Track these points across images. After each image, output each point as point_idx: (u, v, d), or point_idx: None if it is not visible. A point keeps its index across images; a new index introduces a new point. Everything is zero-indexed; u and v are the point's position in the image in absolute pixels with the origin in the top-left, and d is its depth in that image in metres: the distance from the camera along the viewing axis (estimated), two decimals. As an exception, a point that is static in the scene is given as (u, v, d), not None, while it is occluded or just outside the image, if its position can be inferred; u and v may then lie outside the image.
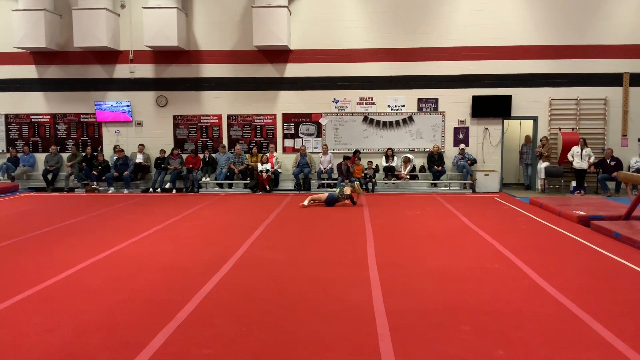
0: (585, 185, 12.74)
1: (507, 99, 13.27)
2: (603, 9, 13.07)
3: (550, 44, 13.19)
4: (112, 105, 14.14)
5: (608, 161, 12.57)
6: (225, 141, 14.14)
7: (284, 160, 13.92)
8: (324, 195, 10.45)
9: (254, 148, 13.93)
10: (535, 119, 13.59)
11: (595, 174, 12.81)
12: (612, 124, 13.33)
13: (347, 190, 10.38)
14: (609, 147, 12.92)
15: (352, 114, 13.84)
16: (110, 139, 14.40)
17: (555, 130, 13.42)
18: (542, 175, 13.03)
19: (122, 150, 13.75)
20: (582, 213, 8.35)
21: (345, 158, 13.22)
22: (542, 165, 13.04)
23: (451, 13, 13.36)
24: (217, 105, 14.10)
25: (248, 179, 13.31)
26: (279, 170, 13.50)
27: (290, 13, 13.44)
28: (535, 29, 13.22)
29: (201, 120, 14.20)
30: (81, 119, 14.40)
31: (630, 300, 4.49)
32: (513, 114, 13.41)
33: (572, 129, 13.33)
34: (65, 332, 3.81)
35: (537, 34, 13.22)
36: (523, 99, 13.33)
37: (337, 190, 10.69)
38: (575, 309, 4.22)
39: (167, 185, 13.43)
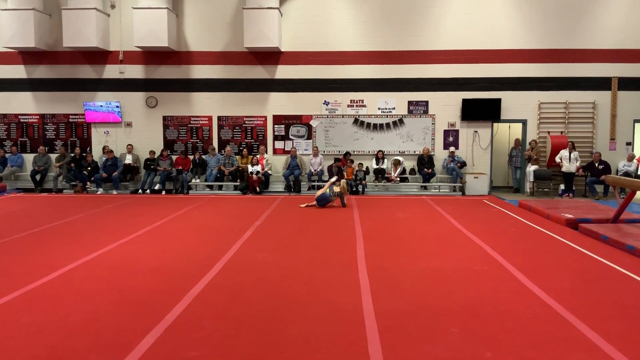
0: (574, 188, 12.86)
1: (497, 102, 13.37)
2: (592, 14, 13.20)
3: (540, 48, 13.29)
4: (101, 106, 14.05)
5: (596, 164, 12.67)
6: (215, 142, 14.10)
7: (274, 162, 13.91)
8: (317, 194, 10.51)
9: (244, 150, 13.90)
10: (524, 123, 13.68)
11: (584, 177, 12.93)
12: (600, 127, 13.46)
13: (336, 188, 10.45)
14: (597, 151, 13.02)
15: (343, 116, 13.86)
16: (99, 139, 14.31)
17: (544, 133, 13.52)
18: (531, 178, 13.13)
19: (112, 151, 13.66)
20: (570, 216, 8.42)
21: (336, 160, 13.26)
22: (531, 168, 13.13)
23: (441, 16, 13.43)
24: (207, 106, 14.06)
25: (238, 180, 13.28)
26: (269, 172, 13.48)
27: (282, 15, 13.44)
28: (525, 33, 13.32)
29: (191, 122, 14.14)
30: (70, 120, 14.30)
31: (616, 302, 4.53)
32: (502, 117, 13.50)
33: (561, 132, 13.44)
34: (52, 334, 3.78)
35: (527, 38, 13.32)
36: (512, 102, 13.43)
37: (327, 190, 10.73)
38: (562, 311, 4.25)
39: (157, 187, 13.35)
